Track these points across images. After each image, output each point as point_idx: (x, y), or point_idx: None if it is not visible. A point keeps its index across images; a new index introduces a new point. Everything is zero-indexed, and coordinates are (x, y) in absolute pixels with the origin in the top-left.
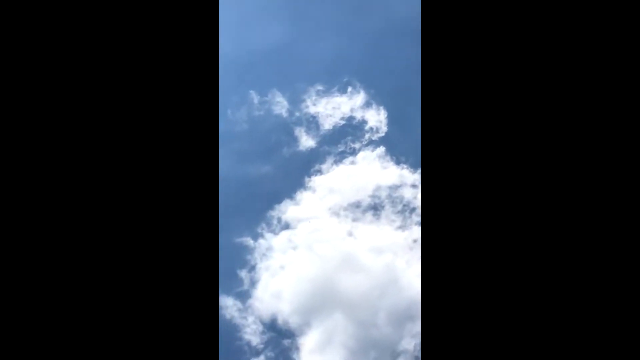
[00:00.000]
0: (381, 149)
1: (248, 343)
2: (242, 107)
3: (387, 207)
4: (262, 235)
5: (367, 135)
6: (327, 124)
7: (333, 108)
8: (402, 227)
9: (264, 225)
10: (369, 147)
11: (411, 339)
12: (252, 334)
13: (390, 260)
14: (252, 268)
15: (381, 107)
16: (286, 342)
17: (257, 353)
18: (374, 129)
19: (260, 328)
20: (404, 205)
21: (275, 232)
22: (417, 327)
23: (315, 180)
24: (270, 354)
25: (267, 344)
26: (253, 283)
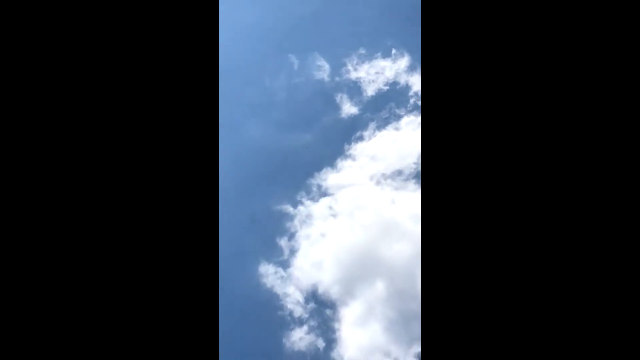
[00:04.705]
0: None
1: (291, 313)
2: (280, 74)
3: None
4: (301, 203)
5: (412, 101)
6: (369, 90)
7: (376, 73)
8: None
9: (303, 192)
10: (413, 112)
11: None
12: (295, 303)
13: None
14: (292, 236)
15: None
16: (328, 312)
17: (301, 323)
18: (419, 94)
19: (302, 298)
20: None
21: (314, 200)
22: None
23: (357, 148)
24: (313, 323)
25: (310, 314)
26: (293, 252)
